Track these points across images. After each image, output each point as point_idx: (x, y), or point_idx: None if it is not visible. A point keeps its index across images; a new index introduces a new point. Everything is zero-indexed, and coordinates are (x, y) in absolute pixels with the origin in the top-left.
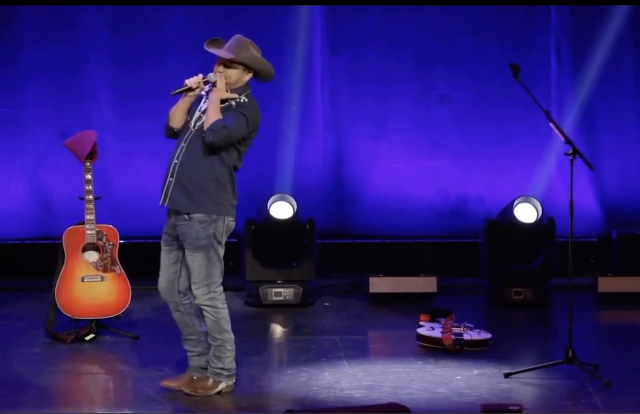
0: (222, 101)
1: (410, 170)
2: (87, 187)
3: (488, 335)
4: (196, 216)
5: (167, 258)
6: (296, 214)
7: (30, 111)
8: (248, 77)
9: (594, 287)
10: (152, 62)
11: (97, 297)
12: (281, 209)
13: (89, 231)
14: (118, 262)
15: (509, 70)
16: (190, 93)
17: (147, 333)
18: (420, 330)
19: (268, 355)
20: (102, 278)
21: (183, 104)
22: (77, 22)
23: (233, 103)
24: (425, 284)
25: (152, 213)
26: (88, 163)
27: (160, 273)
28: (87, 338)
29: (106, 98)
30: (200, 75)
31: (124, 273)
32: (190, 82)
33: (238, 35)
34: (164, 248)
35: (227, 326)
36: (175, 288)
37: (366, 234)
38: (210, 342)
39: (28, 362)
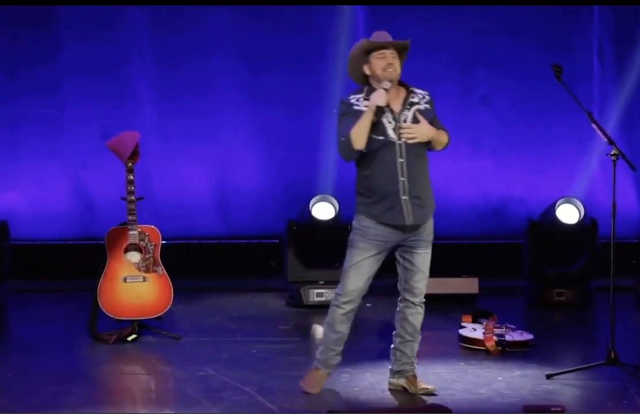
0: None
1: (451, 171)
2: (129, 188)
3: (530, 336)
4: (430, 221)
5: (372, 264)
6: (338, 215)
7: (71, 111)
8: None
9: (636, 288)
10: (194, 62)
11: (139, 298)
12: (323, 210)
13: (131, 232)
14: (160, 263)
15: (550, 71)
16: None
17: (189, 333)
18: (462, 331)
19: (310, 356)
20: (144, 279)
21: (367, 124)
22: (119, 22)
23: (422, 106)
24: (466, 285)
25: (194, 214)
26: (130, 164)
27: (358, 276)
28: (129, 338)
29: (148, 98)
30: (381, 90)
31: (166, 273)
32: (381, 100)
33: (381, 31)
34: (372, 254)
35: None
36: (364, 292)
37: None
38: (411, 340)
39: (71, 363)
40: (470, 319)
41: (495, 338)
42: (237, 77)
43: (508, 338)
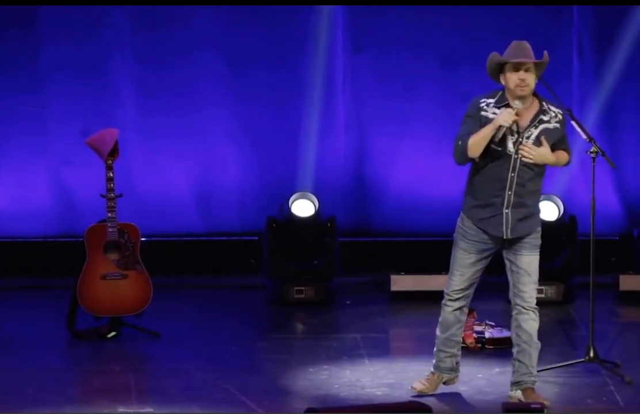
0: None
1: (431, 169)
2: (108, 185)
3: (509, 333)
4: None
5: (473, 265)
6: (318, 212)
7: (53, 109)
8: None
9: (616, 285)
10: (176, 61)
11: (118, 295)
12: (303, 207)
13: (110, 229)
14: (140, 260)
15: None
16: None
17: (168, 331)
18: None
19: (289, 353)
20: (124, 276)
21: (487, 137)
22: (101, 20)
23: (551, 126)
24: (446, 282)
25: (174, 211)
26: (110, 161)
27: (461, 276)
28: (109, 335)
29: (129, 96)
30: (510, 110)
31: (146, 270)
32: (506, 120)
33: (519, 41)
34: (473, 255)
35: None
36: (469, 291)
37: (388, 232)
38: (527, 348)
39: (50, 360)
40: None
41: (474, 335)
42: (218, 74)
43: (487, 335)
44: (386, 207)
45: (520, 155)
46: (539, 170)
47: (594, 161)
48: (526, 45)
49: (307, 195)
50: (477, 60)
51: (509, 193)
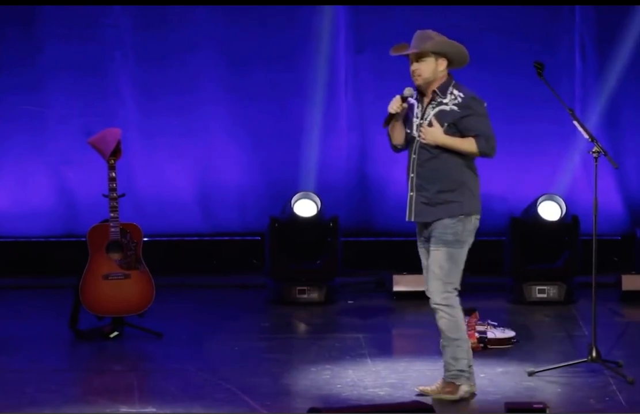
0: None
1: None
2: (111, 185)
3: (512, 333)
4: (444, 221)
5: (423, 255)
6: (320, 212)
7: (54, 109)
8: (442, 65)
9: (618, 285)
10: (177, 60)
11: (120, 295)
12: (305, 207)
13: (112, 229)
14: (142, 260)
15: (533, 68)
16: (399, 114)
17: (170, 330)
18: None
19: (291, 353)
20: (126, 276)
21: (396, 123)
22: (102, 20)
23: (448, 107)
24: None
25: (176, 211)
26: (112, 161)
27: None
28: (111, 335)
29: (130, 95)
30: (398, 97)
31: (148, 270)
32: (393, 108)
33: (418, 31)
34: (420, 246)
35: (464, 326)
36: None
37: (390, 232)
38: (445, 344)
39: (52, 360)
40: None
41: (477, 335)
42: (219, 74)
43: (490, 335)
44: (388, 207)
45: (418, 136)
46: (437, 152)
47: (596, 161)
48: (417, 34)
49: (310, 195)
50: (479, 60)
51: (412, 175)
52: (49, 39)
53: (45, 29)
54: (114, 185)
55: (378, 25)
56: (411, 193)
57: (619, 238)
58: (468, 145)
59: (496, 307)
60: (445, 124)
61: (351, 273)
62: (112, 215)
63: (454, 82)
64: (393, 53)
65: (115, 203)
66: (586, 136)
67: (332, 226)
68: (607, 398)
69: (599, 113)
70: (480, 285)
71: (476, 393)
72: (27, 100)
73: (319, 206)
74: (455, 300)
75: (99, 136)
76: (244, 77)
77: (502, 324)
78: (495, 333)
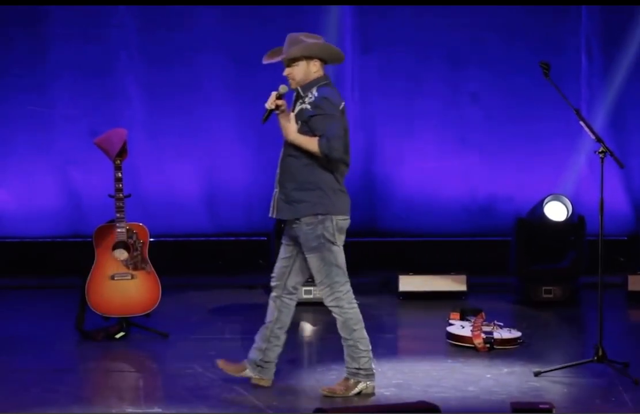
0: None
1: (439, 169)
2: (117, 185)
3: (518, 334)
4: (303, 219)
5: (282, 250)
6: None
7: (60, 109)
8: (316, 66)
9: (624, 285)
10: (182, 60)
11: (127, 295)
12: None
13: (119, 230)
14: (148, 260)
15: (539, 68)
16: (279, 110)
17: (176, 331)
18: (450, 329)
19: (298, 353)
20: (132, 276)
21: (267, 118)
22: (107, 21)
23: (305, 106)
24: (455, 282)
25: (182, 211)
26: (118, 161)
27: (277, 261)
28: (117, 336)
29: (136, 96)
30: (274, 93)
31: (154, 271)
32: (268, 104)
33: (289, 34)
34: (282, 241)
35: (357, 326)
36: (283, 280)
37: (396, 232)
38: (343, 343)
39: (59, 360)
40: (458, 316)
41: (483, 335)
42: (224, 75)
43: (496, 335)
44: (394, 207)
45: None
46: (292, 150)
47: (602, 161)
48: (287, 39)
49: None
50: (484, 60)
51: (277, 172)
52: (55, 40)
53: (51, 30)
54: (120, 185)
55: (384, 25)
56: (275, 190)
57: (625, 238)
58: (312, 144)
59: (502, 307)
60: (300, 122)
61: (357, 273)
62: (118, 215)
63: (323, 82)
64: (266, 60)
65: (121, 204)
66: (592, 136)
67: None
68: (613, 399)
69: (604, 114)
70: (487, 285)
71: (375, 393)
72: (33, 100)
73: None
74: (345, 300)
75: (105, 136)
76: (249, 78)
77: (508, 324)
78: (501, 333)
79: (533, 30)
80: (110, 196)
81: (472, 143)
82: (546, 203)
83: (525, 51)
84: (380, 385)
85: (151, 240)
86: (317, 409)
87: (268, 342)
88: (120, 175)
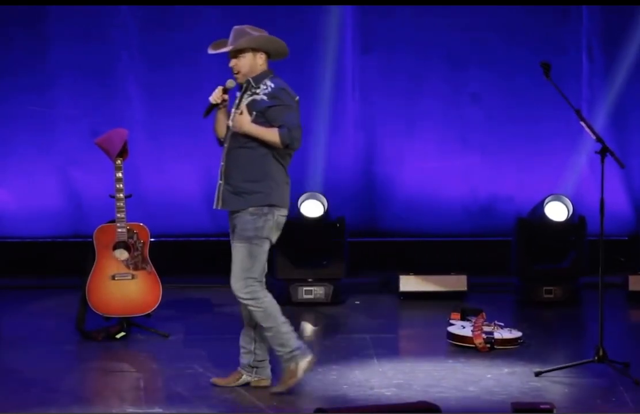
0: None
1: (440, 169)
2: (117, 185)
3: (518, 334)
4: (250, 209)
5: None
6: (326, 213)
7: (61, 109)
8: (262, 59)
9: (625, 286)
10: (183, 61)
11: (127, 295)
12: (311, 208)
13: (119, 230)
14: (149, 260)
15: (540, 69)
16: (222, 105)
17: (177, 331)
18: (450, 329)
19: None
20: (133, 277)
21: (221, 115)
22: (109, 21)
23: (259, 97)
24: (455, 282)
25: (182, 211)
26: (119, 162)
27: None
28: (118, 336)
29: (137, 96)
30: (220, 87)
31: (155, 271)
32: (214, 98)
33: (235, 27)
34: (232, 243)
35: (277, 312)
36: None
37: (396, 232)
38: (266, 335)
39: (59, 360)
40: (458, 316)
41: (483, 335)
42: (226, 75)
43: (497, 335)
44: (395, 207)
45: (231, 125)
46: (244, 141)
47: (602, 161)
48: (233, 31)
49: (316, 195)
50: (485, 60)
51: (222, 164)
52: (56, 40)
53: (52, 30)
54: (121, 185)
55: (385, 25)
56: (220, 181)
57: (626, 238)
58: (271, 135)
59: (503, 307)
60: (255, 113)
61: (358, 273)
62: (118, 215)
63: (272, 75)
64: (211, 51)
65: (122, 204)
66: (593, 136)
67: (338, 227)
68: (613, 399)
69: (605, 114)
70: (487, 285)
71: (315, 360)
72: (34, 100)
73: (326, 206)
74: (260, 292)
75: (106, 136)
76: None
77: (509, 324)
78: (502, 333)
79: (533, 30)
80: (111, 196)
81: (473, 143)
82: (547, 203)
83: (525, 51)
84: (380, 385)
85: (152, 240)
86: (318, 409)
87: (254, 342)
88: (120, 175)
